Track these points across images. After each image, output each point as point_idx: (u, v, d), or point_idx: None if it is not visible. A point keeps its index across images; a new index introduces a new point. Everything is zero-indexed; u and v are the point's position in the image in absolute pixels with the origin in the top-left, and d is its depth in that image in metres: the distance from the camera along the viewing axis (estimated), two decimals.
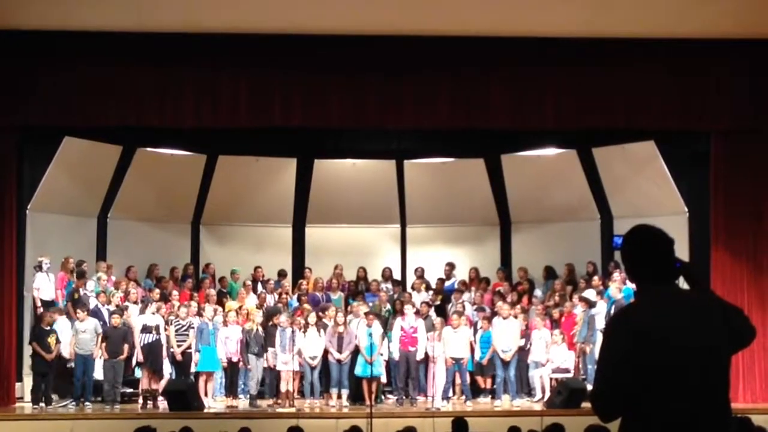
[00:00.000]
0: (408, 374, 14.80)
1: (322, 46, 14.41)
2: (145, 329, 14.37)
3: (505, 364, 14.84)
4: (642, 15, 13.75)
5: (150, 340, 14.33)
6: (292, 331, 14.52)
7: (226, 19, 13.90)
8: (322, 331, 14.80)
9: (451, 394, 14.98)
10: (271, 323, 14.85)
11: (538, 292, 16.88)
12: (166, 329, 14.51)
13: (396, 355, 14.76)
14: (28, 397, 14.39)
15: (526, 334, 15.23)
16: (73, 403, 14.09)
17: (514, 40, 14.48)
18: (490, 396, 15.20)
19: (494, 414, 13.70)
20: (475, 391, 15.29)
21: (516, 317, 15.22)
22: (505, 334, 14.95)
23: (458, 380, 15.12)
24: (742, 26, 14.07)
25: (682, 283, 3.66)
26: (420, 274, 17.59)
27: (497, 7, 13.67)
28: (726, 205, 14.95)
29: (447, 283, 17.42)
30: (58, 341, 14.20)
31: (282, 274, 17.60)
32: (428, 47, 14.44)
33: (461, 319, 15.05)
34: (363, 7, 13.40)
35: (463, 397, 14.98)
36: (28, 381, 14.49)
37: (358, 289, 17.24)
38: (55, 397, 14.39)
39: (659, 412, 3.39)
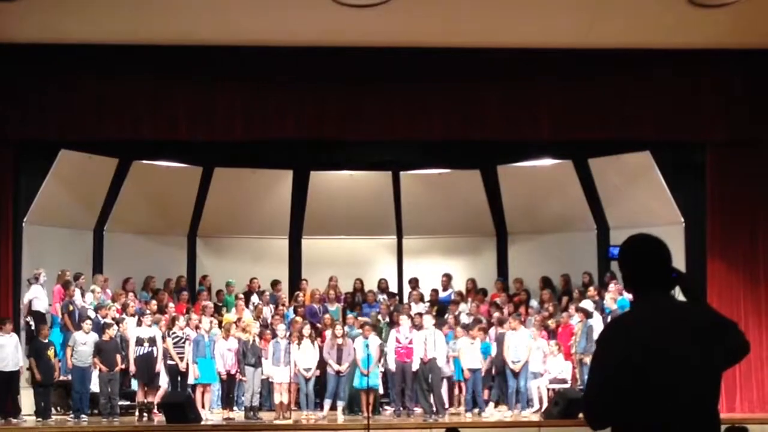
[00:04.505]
0: (404, 386, 14.74)
1: (317, 58, 14.44)
2: (138, 341, 14.35)
3: (516, 375, 14.77)
4: (636, 26, 13.80)
5: (142, 352, 14.30)
6: (288, 343, 14.51)
7: (220, 32, 13.94)
8: (316, 342, 14.79)
9: (447, 405, 14.94)
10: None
11: (534, 303, 16.86)
12: (164, 341, 14.47)
13: (392, 367, 14.71)
14: (26, 409, 14.33)
15: None
16: (72, 416, 14.05)
17: (508, 51, 14.52)
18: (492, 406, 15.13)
19: (493, 425, 13.68)
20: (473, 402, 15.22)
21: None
22: (517, 345, 14.85)
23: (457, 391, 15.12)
24: (736, 36, 14.11)
25: (678, 294, 3.66)
26: (414, 285, 17.54)
27: (492, 19, 13.71)
28: (722, 215, 14.98)
29: (443, 295, 17.39)
30: (57, 354, 14.16)
31: (275, 283, 17.55)
32: (423, 59, 14.48)
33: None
34: (357, 20, 13.42)
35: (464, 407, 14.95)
36: (26, 394, 14.44)
37: (355, 300, 17.21)
38: (53, 410, 14.37)
39: (649, 421, 3.39)
